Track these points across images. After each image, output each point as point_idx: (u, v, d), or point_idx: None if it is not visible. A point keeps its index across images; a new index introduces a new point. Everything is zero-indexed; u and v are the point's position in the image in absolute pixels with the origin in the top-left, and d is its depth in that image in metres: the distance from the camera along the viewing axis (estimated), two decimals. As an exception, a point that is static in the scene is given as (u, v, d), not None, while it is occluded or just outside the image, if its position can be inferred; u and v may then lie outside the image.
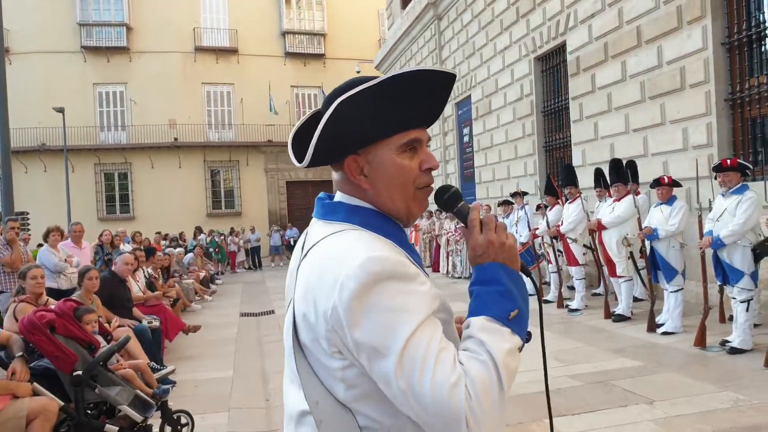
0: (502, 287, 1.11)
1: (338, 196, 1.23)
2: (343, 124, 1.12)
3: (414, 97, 1.14)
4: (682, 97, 8.25)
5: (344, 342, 1.05)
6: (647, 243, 6.87)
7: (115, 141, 25.64)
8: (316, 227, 1.21)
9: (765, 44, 7.39)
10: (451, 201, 1.23)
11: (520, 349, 1.11)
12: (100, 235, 10.30)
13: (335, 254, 1.09)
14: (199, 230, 20.63)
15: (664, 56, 8.51)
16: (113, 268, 6.86)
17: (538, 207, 10.04)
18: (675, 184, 6.86)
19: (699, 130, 7.98)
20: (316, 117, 1.21)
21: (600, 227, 7.78)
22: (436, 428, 1.00)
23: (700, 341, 5.99)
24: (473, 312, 1.10)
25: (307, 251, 1.17)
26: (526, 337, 1.13)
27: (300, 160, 1.21)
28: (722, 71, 7.73)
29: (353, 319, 1.01)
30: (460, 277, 13.25)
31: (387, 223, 1.18)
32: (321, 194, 1.28)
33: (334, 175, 1.24)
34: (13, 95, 12.65)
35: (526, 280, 1.26)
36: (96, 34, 25.32)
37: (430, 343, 1.00)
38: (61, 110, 20.34)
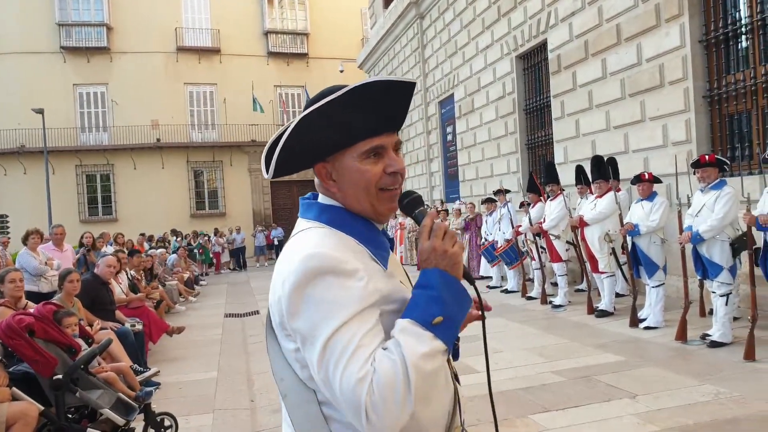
0: (434, 292, 1.16)
1: (319, 197, 1.33)
2: (309, 136, 1.22)
3: (374, 107, 1.21)
4: (661, 94, 8.34)
5: (289, 329, 1.18)
6: (629, 239, 6.94)
7: (97, 142, 25.36)
8: (297, 225, 1.32)
9: (741, 41, 7.50)
10: (411, 205, 1.31)
11: (447, 354, 1.17)
12: (81, 237, 10.19)
13: (291, 250, 1.21)
14: (174, 233, 20.35)
15: (644, 54, 8.60)
16: (95, 270, 6.79)
17: (522, 204, 10.10)
18: (656, 180, 6.94)
19: (678, 126, 8.08)
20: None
21: (582, 224, 7.84)
22: (348, 415, 1.11)
23: (681, 335, 6.06)
24: (404, 314, 1.17)
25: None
26: (455, 343, 1.19)
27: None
28: (700, 68, 7.83)
29: (292, 309, 1.14)
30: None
31: (355, 221, 1.27)
32: (308, 195, 1.38)
33: (316, 179, 1.34)
34: (-10, 97, 12.46)
35: (472, 288, 1.28)
36: (75, 34, 25.02)
37: (352, 338, 1.09)
38: (40, 111, 20.07)
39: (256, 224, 25.24)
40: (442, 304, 1.15)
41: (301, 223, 1.31)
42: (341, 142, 1.23)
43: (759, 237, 5.46)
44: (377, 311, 1.16)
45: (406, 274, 1.40)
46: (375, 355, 1.09)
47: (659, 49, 8.28)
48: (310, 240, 1.20)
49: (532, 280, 9.92)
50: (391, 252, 1.34)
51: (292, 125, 1.20)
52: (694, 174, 6.08)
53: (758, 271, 5.39)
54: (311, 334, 1.11)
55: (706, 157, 5.91)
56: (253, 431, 4.64)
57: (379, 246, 1.28)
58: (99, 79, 25.28)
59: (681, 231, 6.11)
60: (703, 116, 7.84)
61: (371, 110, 1.21)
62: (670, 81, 8.14)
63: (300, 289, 1.13)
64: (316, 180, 1.33)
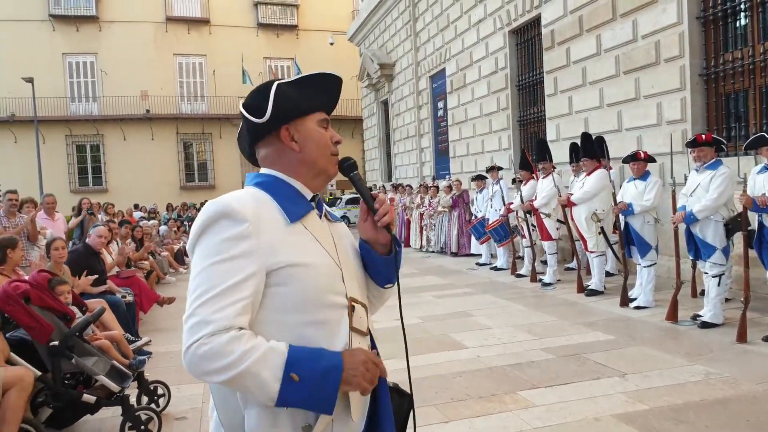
0: (318, 374, 1.27)
1: (261, 169, 1.54)
2: (285, 100, 1.44)
3: (324, 89, 1.52)
4: (656, 71, 8.30)
5: None
6: (621, 218, 6.94)
7: (87, 112, 25.04)
8: None
9: (739, 19, 7.45)
10: (349, 168, 1.59)
11: (271, 402, 1.28)
12: (79, 204, 10.13)
13: None
14: (165, 209, 19.87)
15: (639, 30, 8.53)
16: (87, 240, 6.74)
17: (514, 181, 10.09)
18: (650, 159, 6.90)
19: (673, 105, 8.05)
20: None
21: (570, 203, 7.81)
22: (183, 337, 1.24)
23: (672, 315, 6.06)
24: (292, 348, 1.29)
25: None
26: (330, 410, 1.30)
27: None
28: (697, 46, 7.78)
29: (192, 246, 1.33)
30: (433, 251, 13.44)
31: (280, 184, 1.46)
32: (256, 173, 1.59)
33: (261, 152, 1.51)
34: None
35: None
36: (64, 2, 24.55)
37: (218, 283, 1.24)
38: (30, 80, 19.73)
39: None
40: (310, 384, 1.25)
41: None
42: (306, 109, 1.48)
43: (753, 219, 5.46)
44: (257, 263, 1.28)
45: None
46: (237, 322, 1.22)
47: (656, 26, 8.21)
48: (228, 195, 1.37)
49: (522, 258, 9.96)
50: (318, 217, 1.49)
51: (273, 90, 1.42)
52: (691, 153, 6.05)
53: (752, 253, 5.39)
54: (193, 267, 1.28)
55: (703, 136, 5.85)
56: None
57: (294, 202, 1.43)
58: (88, 49, 24.85)
59: (674, 211, 6.09)
60: (698, 95, 7.82)
61: (322, 90, 1.51)
62: (666, 58, 8.10)
63: (199, 230, 1.30)
64: (261, 153, 1.50)
